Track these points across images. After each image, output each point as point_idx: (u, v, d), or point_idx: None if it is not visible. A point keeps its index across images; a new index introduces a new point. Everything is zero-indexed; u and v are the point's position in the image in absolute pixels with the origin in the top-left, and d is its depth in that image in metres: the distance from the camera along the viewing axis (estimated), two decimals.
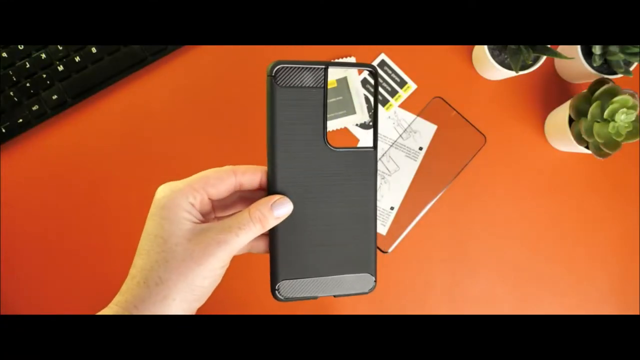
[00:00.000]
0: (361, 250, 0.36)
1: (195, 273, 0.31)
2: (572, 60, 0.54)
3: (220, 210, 0.36)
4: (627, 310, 0.58)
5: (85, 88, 0.56)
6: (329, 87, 0.58)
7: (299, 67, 0.33)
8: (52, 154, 0.57)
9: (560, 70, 0.59)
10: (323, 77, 0.33)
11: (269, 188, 0.34)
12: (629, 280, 0.58)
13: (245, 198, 0.36)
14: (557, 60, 0.60)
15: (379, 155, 0.57)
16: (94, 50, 0.56)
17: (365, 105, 0.58)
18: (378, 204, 0.56)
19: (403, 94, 0.59)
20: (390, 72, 0.59)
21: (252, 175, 0.34)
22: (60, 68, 0.56)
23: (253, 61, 0.59)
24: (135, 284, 0.31)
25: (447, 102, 0.58)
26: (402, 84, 0.59)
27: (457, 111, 0.58)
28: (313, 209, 0.34)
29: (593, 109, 0.50)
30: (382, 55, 0.59)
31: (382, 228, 0.57)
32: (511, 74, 0.54)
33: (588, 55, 0.53)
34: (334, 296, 0.35)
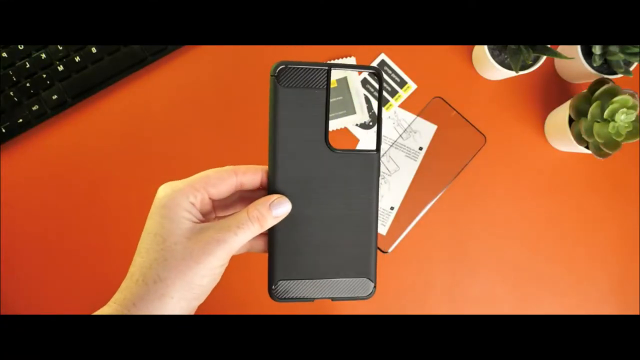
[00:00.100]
0: (361, 255, 0.35)
1: (194, 271, 0.31)
2: (572, 60, 0.54)
3: (220, 210, 0.36)
4: (627, 310, 0.58)
5: (85, 88, 0.56)
6: None
7: (302, 68, 0.33)
8: (52, 154, 0.57)
9: (560, 70, 0.59)
10: (326, 79, 0.33)
11: (269, 188, 0.34)
12: (629, 280, 0.58)
13: (246, 198, 0.36)
14: (557, 60, 0.60)
15: None
16: (94, 50, 0.56)
17: (365, 105, 0.58)
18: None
19: (403, 94, 0.59)
20: (390, 72, 0.59)
21: (253, 175, 0.34)
22: (60, 68, 0.56)
23: (253, 61, 0.59)
24: (134, 282, 0.31)
25: (447, 102, 0.58)
26: (402, 84, 0.59)
27: (457, 111, 0.58)
28: (313, 210, 0.34)
29: (593, 109, 0.50)
30: (382, 55, 0.59)
31: (382, 228, 0.57)
32: (511, 74, 0.54)
33: (588, 55, 0.53)
34: (332, 299, 0.35)
